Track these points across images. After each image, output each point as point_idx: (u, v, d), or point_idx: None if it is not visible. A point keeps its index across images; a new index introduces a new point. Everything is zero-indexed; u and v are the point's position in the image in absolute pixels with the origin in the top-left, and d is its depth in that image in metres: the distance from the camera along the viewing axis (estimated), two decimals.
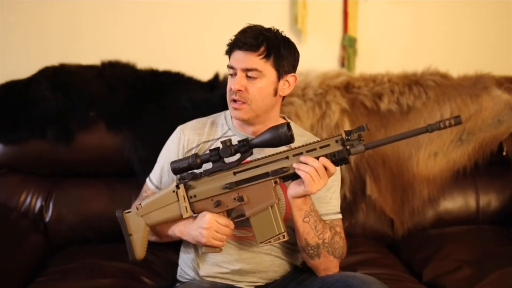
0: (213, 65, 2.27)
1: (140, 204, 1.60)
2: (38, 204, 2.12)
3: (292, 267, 1.73)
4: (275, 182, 1.52)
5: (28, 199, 2.12)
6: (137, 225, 1.59)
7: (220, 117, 1.75)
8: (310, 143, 1.50)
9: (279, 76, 1.61)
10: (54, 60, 2.21)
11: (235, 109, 1.60)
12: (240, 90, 1.57)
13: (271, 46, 1.58)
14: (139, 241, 1.59)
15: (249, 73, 1.57)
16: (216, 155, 1.53)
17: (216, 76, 2.26)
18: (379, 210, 2.26)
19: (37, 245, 2.03)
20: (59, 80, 2.13)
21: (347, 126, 2.19)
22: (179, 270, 1.79)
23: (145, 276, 1.88)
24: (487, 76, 2.34)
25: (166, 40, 2.41)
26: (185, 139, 1.71)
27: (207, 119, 1.76)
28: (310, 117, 2.18)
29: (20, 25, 2.31)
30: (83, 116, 2.11)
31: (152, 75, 2.23)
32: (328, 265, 1.60)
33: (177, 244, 1.83)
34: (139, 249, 1.60)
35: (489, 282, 1.83)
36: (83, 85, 2.14)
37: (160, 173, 1.73)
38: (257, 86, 1.58)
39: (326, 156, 1.46)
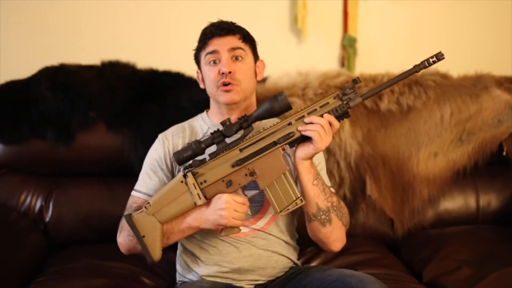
0: None
1: (149, 202, 1.56)
2: (38, 204, 2.12)
3: (291, 264, 1.73)
4: (283, 150, 1.54)
5: (28, 199, 2.12)
6: (149, 224, 1.54)
7: (196, 120, 1.77)
8: (309, 105, 1.54)
9: (255, 60, 1.69)
10: (54, 60, 2.21)
11: (227, 91, 1.61)
12: (230, 72, 1.60)
13: (245, 32, 1.67)
14: (154, 241, 1.54)
15: (236, 52, 1.62)
16: (219, 136, 1.54)
17: None
18: (379, 210, 2.26)
19: (37, 245, 2.03)
20: (59, 80, 2.14)
21: (347, 126, 2.19)
22: (177, 274, 1.78)
23: (145, 277, 1.88)
24: (487, 76, 2.34)
25: (166, 40, 2.41)
26: (170, 143, 1.71)
27: (185, 123, 1.77)
28: None
29: (20, 25, 2.31)
30: (83, 116, 2.11)
31: (152, 75, 2.23)
32: (338, 233, 1.62)
33: (177, 245, 1.83)
34: (156, 249, 1.54)
35: (489, 282, 1.83)
36: (83, 85, 2.14)
37: (149, 181, 1.69)
38: (244, 67, 1.63)
39: (328, 112, 1.51)
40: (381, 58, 2.52)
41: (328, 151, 2.18)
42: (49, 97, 2.10)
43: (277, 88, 2.22)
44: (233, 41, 1.63)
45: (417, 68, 1.51)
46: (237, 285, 1.67)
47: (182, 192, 1.55)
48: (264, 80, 2.28)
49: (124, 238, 1.64)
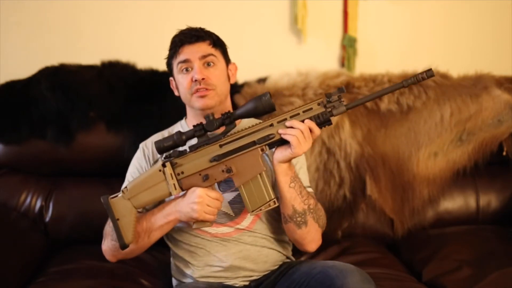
0: None
1: (126, 187, 1.58)
2: (38, 204, 2.12)
3: (284, 258, 1.74)
4: (262, 150, 1.55)
5: (28, 199, 2.12)
6: (124, 208, 1.56)
7: (175, 127, 1.79)
8: (293, 109, 1.54)
9: (227, 63, 1.71)
10: (54, 60, 2.21)
11: (202, 96, 1.63)
12: (203, 79, 1.62)
13: (214, 37, 1.69)
14: (127, 225, 1.55)
15: (208, 59, 1.64)
16: (201, 130, 1.55)
17: None
18: (379, 210, 2.26)
19: (37, 245, 2.03)
20: (59, 80, 2.13)
21: (347, 126, 2.19)
22: (173, 280, 1.79)
23: (143, 278, 1.88)
24: (487, 76, 2.34)
25: (166, 40, 2.40)
26: (149, 151, 1.74)
27: (165, 132, 1.79)
28: None
29: (20, 25, 2.31)
30: (83, 116, 2.11)
31: (152, 75, 2.23)
32: (314, 234, 1.63)
33: None
34: (128, 233, 1.55)
35: (489, 282, 1.83)
36: (83, 85, 2.14)
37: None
38: (216, 72, 1.65)
39: (310, 118, 1.51)
40: (381, 58, 2.52)
41: (328, 151, 2.19)
42: (49, 97, 2.10)
43: (277, 88, 2.22)
44: (204, 48, 1.65)
45: (405, 82, 1.50)
46: (232, 283, 1.68)
47: (159, 180, 1.56)
48: (264, 80, 2.28)
49: (107, 244, 1.67)
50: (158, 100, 2.15)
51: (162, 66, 2.25)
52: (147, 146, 1.75)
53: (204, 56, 1.64)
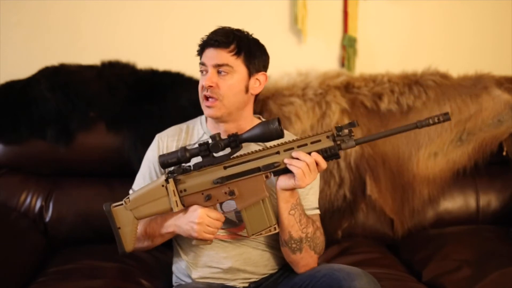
0: None
1: (128, 198, 1.59)
2: (38, 204, 2.12)
3: (283, 261, 1.73)
4: (266, 177, 1.53)
5: (28, 199, 2.12)
6: (126, 218, 1.57)
7: (195, 122, 1.77)
8: (301, 138, 1.52)
9: (250, 74, 1.63)
10: (54, 60, 2.21)
11: (208, 107, 1.61)
12: (211, 86, 1.59)
13: (242, 43, 1.62)
14: (128, 234, 1.57)
15: (221, 69, 1.60)
16: (205, 150, 1.53)
17: None
18: (379, 210, 2.26)
19: (37, 245, 2.03)
20: (59, 80, 2.13)
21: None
22: (173, 276, 1.79)
23: (143, 278, 1.88)
24: (487, 76, 2.34)
25: (166, 40, 2.41)
26: (164, 145, 1.72)
27: (183, 125, 1.77)
28: (310, 117, 2.18)
29: (20, 25, 2.31)
30: (83, 116, 2.11)
31: (152, 75, 2.23)
32: (308, 260, 1.62)
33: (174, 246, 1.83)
34: (128, 242, 1.58)
35: (489, 282, 1.83)
36: (83, 85, 2.14)
37: (143, 182, 1.71)
38: (228, 82, 1.60)
39: (317, 151, 1.48)
40: (381, 58, 2.52)
41: None
42: (49, 97, 2.10)
43: (277, 88, 2.22)
44: (222, 55, 1.60)
45: (419, 124, 1.46)
46: (231, 284, 1.68)
47: (161, 195, 1.56)
48: None
49: None
50: (158, 100, 2.15)
51: (162, 66, 2.26)
52: (162, 139, 1.73)
53: (218, 65, 1.60)
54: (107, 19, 2.36)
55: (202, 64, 1.63)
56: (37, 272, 1.89)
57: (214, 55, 1.60)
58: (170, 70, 2.26)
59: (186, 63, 2.30)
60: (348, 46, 2.48)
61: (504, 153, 2.32)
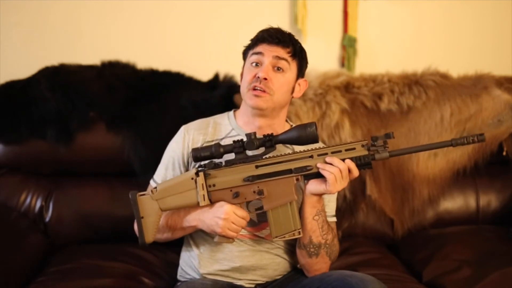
0: (213, 65, 2.27)
1: (155, 188, 1.58)
2: (38, 204, 2.12)
3: (292, 267, 1.74)
4: (297, 179, 1.54)
5: (28, 199, 2.12)
6: (151, 208, 1.57)
7: (223, 117, 1.76)
8: (336, 145, 1.54)
9: (297, 77, 1.66)
10: (54, 60, 2.21)
11: (256, 96, 1.60)
12: (266, 79, 1.59)
13: (297, 47, 1.65)
14: (150, 224, 1.57)
15: (279, 63, 1.61)
16: (240, 147, 1.54)
17: (216, 76, 2.26)
18: (379, 210, 2.26)
19: (37, 245, 2.03)
20: (59, 80, 2.13)
21: (347, 126, 2.19)
22: (179, 270, 1.79)
23: (145, 277, 1.88)
24: (487, 76, 2.34)
25: (166, 40, 2.41)
26: (190, 138, 1.71)
27: (210, 119, 1.76)
28: (310, 117, 2.18)
29: (20, 25, 2.31)
30: (83, 116, 2.11)
31: (152, 75, 2.23)
32: (322, 265, 1.63)
33: (177, 245, 1.83)
34: (150, 232, 1.57)
35: (489, 282, 1.83)
36: (83, 85, 2.14)
37: (165, 173, 1.72)
38: (282, 79, 1.61)
39: (351, 159, 1.50)
40: (381, 58, 2.52)
41: None
42: (49, 97, 2.10)
43: None
44: (282, 51, 1.62)
45: (454, 142, 1.50)
46: (238, 283, 1.67)
47: (190, 188, 1.56)
48: None
49: None
50: (158, 100, 2.15)
51: (162, 66, 2.26)
52: (189, 132, 1.72)
53: (278, 58, 1.61)
54: (107, 19, 2.36)
55: (258, 53, 1.62)
56: (37, 272, 1.89)
57: (274, 49, 1.61)
58: (170, 70, 2.26)
59: (186, 63, 2.31)
60: (348, 46, 2.48)
61: (504, 153, 2.32)
